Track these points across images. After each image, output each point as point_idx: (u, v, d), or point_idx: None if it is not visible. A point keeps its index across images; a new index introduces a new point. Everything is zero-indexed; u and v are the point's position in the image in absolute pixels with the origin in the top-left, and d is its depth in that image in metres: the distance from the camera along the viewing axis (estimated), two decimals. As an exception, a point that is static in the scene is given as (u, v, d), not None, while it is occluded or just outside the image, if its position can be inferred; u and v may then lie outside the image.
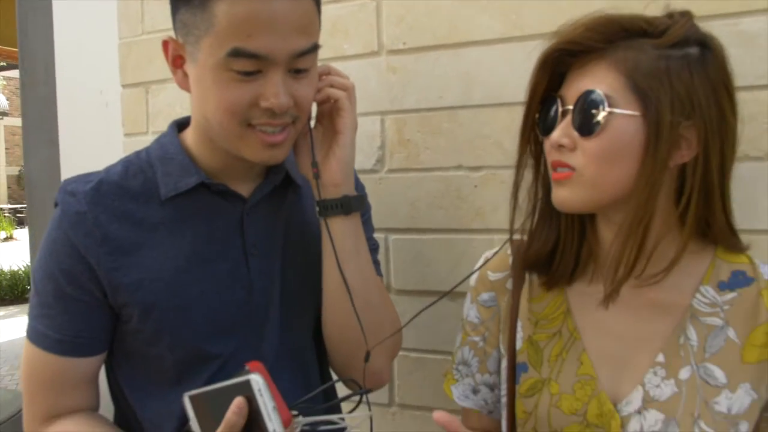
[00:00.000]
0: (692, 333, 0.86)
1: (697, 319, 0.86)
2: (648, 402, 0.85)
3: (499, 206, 1.26)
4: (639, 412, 0.85)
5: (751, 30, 1.09)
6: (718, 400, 0.83)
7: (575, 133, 0.84)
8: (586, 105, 0.83)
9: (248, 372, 0.85)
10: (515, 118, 1.22)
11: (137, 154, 1.05)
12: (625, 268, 0.83)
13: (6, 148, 20.62)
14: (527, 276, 0.97)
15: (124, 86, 1.61)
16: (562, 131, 0.85)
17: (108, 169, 1.02)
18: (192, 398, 0.89)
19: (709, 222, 0.86)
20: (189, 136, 1.03)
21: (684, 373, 0.85)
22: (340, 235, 1.01)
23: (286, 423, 0.83)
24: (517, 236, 0.96)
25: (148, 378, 1.00)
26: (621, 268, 0.83)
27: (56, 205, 0.99)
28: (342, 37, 1.36)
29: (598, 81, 0.83)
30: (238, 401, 0.83)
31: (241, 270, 1.01)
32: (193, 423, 0.88)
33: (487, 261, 1.01)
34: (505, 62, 1.24)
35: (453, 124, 1.28)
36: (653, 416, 0.84)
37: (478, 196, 1.27)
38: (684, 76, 0.81)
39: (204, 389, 0.89)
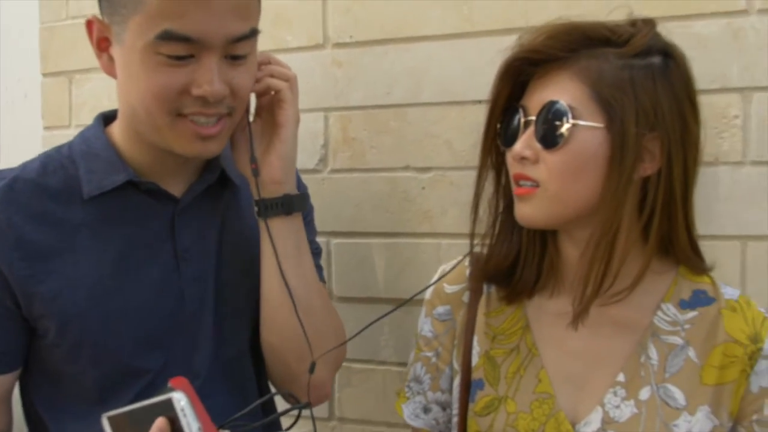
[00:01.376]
0: (653, 352, 0.83)
1: (658, 337, 0.83)
2: (607, 423, 0.81)
3: (448, 209, 1.21)
4: (598, 433, 0.81)
5: (703, 33, 1.07)
6: (677, 423, 0.80)
7: (538, 145, 0.80)
8: (550, 116, 0.79)
9: (171, 389, 0.78)
10: (466, 116, 1.20)
11: (58, 149, 0.95)
12: (593, 287, 0.79)
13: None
14: (485, 289, 0.92)
15: (44, 75, 1.49)
16: (525, 143, 0.81)
17: (24, 166, 0.92)
18: (111, 419, 0.81)
19: (672, 239, 0.83)
20: (116, 129, 0.95)
21: (644, 394, 0.81)
22: (280, 236, 0.94)
23: None
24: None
25: (67, 397, 0.91)
26: (589, 286, 0.79)
27: None
28: (285, 28, 1.28)
29: (560, 91, 0.79)
30: (159, 422, 0.75)
31: (172, 276, 0.93)
32: None
33: (444, 274, 0.95)
34: (457, 58, 1.19)
35: (401, 123, 1.23)
36: (612, 438, 0.80)
37: (426, 198, 1.22)
38: (648, 86, 0.79)
39: (123, 409, 0.81)
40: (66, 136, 1.45)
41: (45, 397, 0.92)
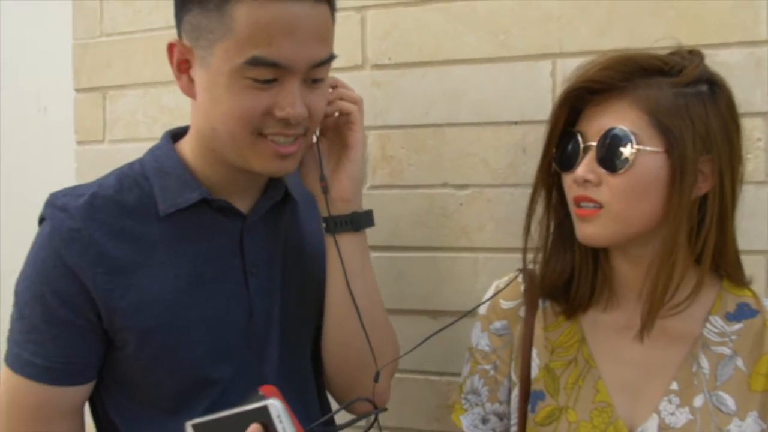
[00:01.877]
0: (704, 361, 0.90)
1: (708, 348, 0.90)
2: (664, 429, 0.88)
3: (485, 225, 1.26)
4: (655, 438, 0.88)
5: (729, 61, 1.14)
6: (730, 428, 0.86)
7: (600, 169, 0.86)
8: (613, 142, 0.85)
9: (262, 397, 0.82)
10: (501, 136, 1.25)
11: (130, 165, 0.99)
12: (658, 302, 0.86)
13: None
14: (540, 304, 0.98)
15: (77, 90, 1.50)
16: (587, 167, 0.87)
17: (100, 182, 0.96)
18: (195, 426, 0.85)
19: (722, 253, 0.89)
20: (187, 147, 0.98)
21: (698, 401, 0.88)
22: (348, 252, 0.99)
23: None
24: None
25: (143, 406, 0.95)
26: (655, 301, 0.86)
27: (42, 220, 0.92)
28: (324, 50, 1.32)
29: (620, 118, 0.86)
30: (255, 428, 0.79)
31: (241, 290, 0.98)
32: None
33: (498, 290, 1.01)
34: (492, 81, 1.25)
35: (438, 141, 1.28)
36: (669, 442, 0.87)
37: (464, 214, 1.27)
38: (701, 112, 0.85)
39: (210, 417, 0.85)
40: (99, 150, 1.49)
41: (120, 407, 0.96)
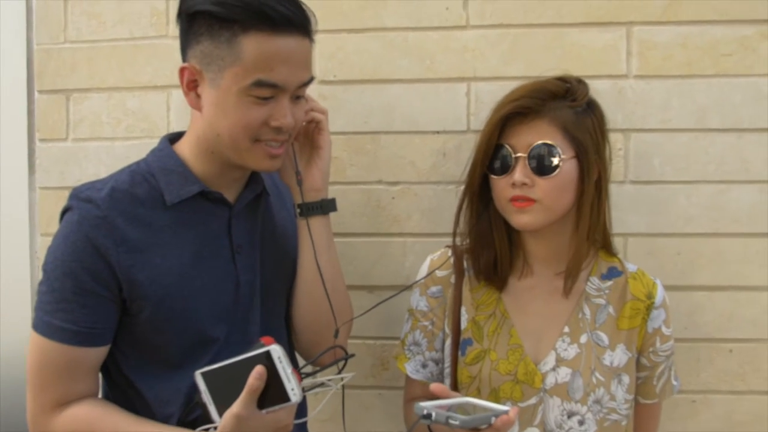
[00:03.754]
0: (587, 310, 1.22)
1: (589, 300, 1.23)
2: (560, 361, 1.19)
3: (412, 215, 1.53)
4: (553, 369, 1.19)
5: (599, 89, 1.45)
6: (604, 357, 1.20)
7: (533, 174, 1.14)
8: (545, 153, 1.13)
9: (263, 345, 1.01)
10: (426, 143, 1.53)
11: (137, 164, 1.18)
12: (577, 267, 1.18)
13: None
14: (466, 273, 1.27)
15: (40, 92, 1.62)
16: (522, 173, 1.14)
17: (115, 178, 1.15)
18: (204, 374, 1.03)
19: (601, 230, 1.22)
20: (185, 149, 1.18)
21: (583, 338, 1.20)
22: (317, 232, 1.23)
23: (299, 380, 1.02)
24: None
25: (152, 363, 1.14)
26: (574, 267, 1.18)
27: (66, 210, 1.11)
28: (278, 66, 1.54)
29: (543, 134, 1.14)
30: (259, 368, 0.99)
31: (230, 266, 1.19)
32: (206, 396, 1.03)
33: (432, 262, 1.30)
34: (420, 98, 1.52)
35: (375, 146, 1.54)
36: (564, 371, 1.19)
37: (395, 206, 1.54)
38: (591, 126, 1.17)
39: (216, 365, 1.04)
40: (63, 147, 1.62)
41: (134, 364, 1.14)
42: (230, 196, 1.20)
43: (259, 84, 1.07)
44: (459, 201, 1.26)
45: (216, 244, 1.18)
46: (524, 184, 1.15)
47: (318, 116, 1.23)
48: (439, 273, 1.29)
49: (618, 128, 1.47)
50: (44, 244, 1.64)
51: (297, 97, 1.14)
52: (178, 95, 1.56)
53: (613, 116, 1.46)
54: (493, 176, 1.19)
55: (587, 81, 1.32)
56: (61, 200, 1.60)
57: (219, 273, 1.17)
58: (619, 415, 1.19)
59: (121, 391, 1.16)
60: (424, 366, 1.28)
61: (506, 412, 0.98)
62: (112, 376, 1.17)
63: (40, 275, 1.13)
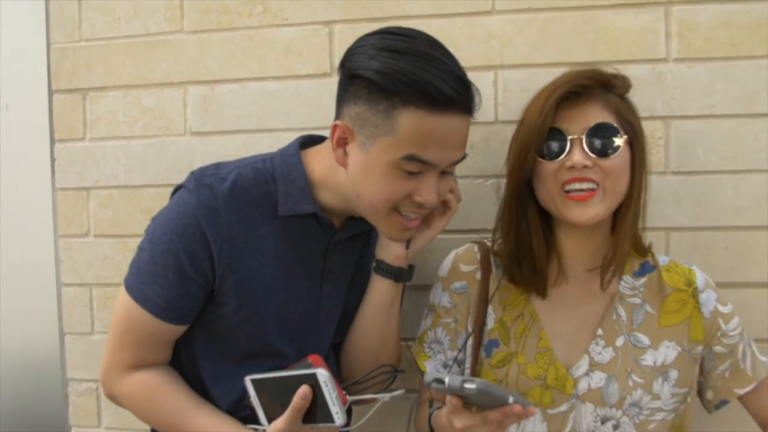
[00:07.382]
0: (621, 311, 1.14)
1: (623, 300, 1.15)
2: (593, 365, 1.11)
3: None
4: (587, 374, 1.11)
5: (635, 75, 1.37)
6: (644, 357, 1.11)
7: (592, 155, 1.06)
8: (606, 133, 1.06)
9: (310, 365, 1.01)
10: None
11: (263, 162, 1.16)
12: (620, 265, 1.13)
13: None
14: (493, 269, 1.20)
15: (56, 91, 1.60)
16: (581, 155, 1.06)
17: (239, 170, 1.13)
18: (254, 381, 1.05)
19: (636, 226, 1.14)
20: (315, 168, 1.15)
21: (619, 341, 1.12)
22: (381, 293, 1.22)
23: (344, 403, 1.00)
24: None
25: (221, 353, 1.15)
26: (621, 261, 1.13)
27: (183, 187, 1.11)
28: (296, 59, 1.49)
29: (599, 116, 1.07)
30: (305, 389, 0.99)
31: (316, 289, 1.18)
32: (255, 401, 1.04)
33: (457, 257, 1.24)
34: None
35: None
36: (598, 376, 1.10)
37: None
38: (637, 114, 1.12)
39: (266, 375, 1.04)
40: (80, 147, 1.59)
41: (204, 348, 1.16)
42: (338, 221, 1.19)
43: (411, 159, 1.04)
44: (504, 194, 1.17)
45: (310, 264, 1.18)
46: (585, 166, 1.06)
47: (453, 203, 1.19)
48: (464, 267, 1.22)
49: (657, 116, 1.39)
50: (64, 245, 1.62)
51: (444, 172, 1.10)
52: (194, 91, 1.52)
53: (652, 103, 1.38)
54: (543, 161, 1.10)
55: (623, 66, 1.27)
56: (81, 201, 1.62)
57: (303, 294, 1.18)
58: (665, 411, 1.11)
59: (184, 368, 1.18)
60: (445, 366, 1.22)
61: (528, 405, 0.93)
62: (181, 355, 1.18)
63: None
